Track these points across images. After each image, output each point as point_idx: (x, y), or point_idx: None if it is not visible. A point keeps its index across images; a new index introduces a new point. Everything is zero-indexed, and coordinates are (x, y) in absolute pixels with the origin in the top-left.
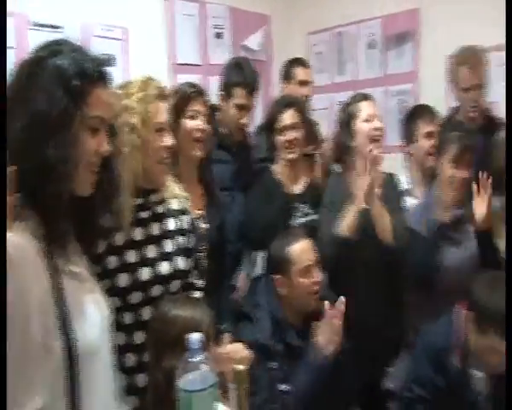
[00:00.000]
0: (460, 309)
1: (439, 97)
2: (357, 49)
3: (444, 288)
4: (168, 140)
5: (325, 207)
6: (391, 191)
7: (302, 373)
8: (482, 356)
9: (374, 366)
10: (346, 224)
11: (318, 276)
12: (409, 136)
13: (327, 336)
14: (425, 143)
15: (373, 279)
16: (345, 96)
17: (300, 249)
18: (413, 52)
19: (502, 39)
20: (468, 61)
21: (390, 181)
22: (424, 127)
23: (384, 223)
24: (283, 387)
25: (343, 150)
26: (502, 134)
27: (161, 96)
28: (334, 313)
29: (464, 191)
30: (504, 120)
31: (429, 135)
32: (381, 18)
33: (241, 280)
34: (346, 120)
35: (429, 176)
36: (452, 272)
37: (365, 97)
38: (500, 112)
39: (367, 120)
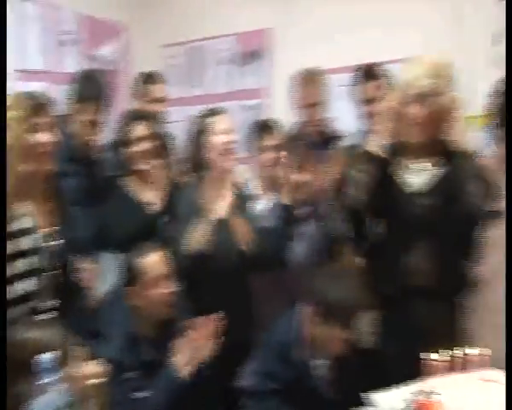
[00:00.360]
0: (303, 304)
1: (290, 112)
2: (213, 63)
3: (290, 283)
4: (27, 162)
5: (179, 219)
6: (242, 200)
7: (159, 390)
8: (325, 345)
9: (229, 368)
10: (197, 236)
11: (170, 287)
12: (255, 147)
13: (186, 356)
14: (269, 154)
15: (230, 286)
16: (201, 109)
17: (151, 261)
18: (266, 69)
19: (343, 62)
20: (310, 81)
21: (241, 191)
22: (268, 140)
23: (241, 231)
24: (140, 395)
25: (196, 163)
26: (338, 146)
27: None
28: (198, 333)
29: (308, 193)
30: (340, 133)
31: (273, 147)
32: (237, 35)
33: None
34: (200, 133)
35: (275, 182)
36: (298, 267)
37: (218, 111)
38: (338, 126)
39: (220, 134)
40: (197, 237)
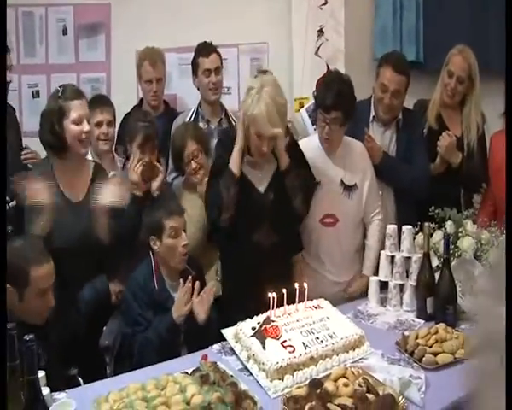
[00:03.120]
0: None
1: (130, 87)
2: (48, 32)
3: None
4: None
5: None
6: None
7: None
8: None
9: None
10: (42, 221)
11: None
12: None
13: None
14: (96, 131)
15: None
16: (35, 79)
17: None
18: (105, 43)
19: (179, 43)
20: (150, 57)
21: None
22: (96, 116)
23: (97, 216)
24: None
25: (51, 145)
26: (178, 120)
27: None
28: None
29: (149, 171)
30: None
31: (99, 124)
32: (73, 6)
33: None
34: (56, 116)
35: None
36: None
37: (78, 95)
38: (176, 102)
39: (76, 123)
40: (42, 222)
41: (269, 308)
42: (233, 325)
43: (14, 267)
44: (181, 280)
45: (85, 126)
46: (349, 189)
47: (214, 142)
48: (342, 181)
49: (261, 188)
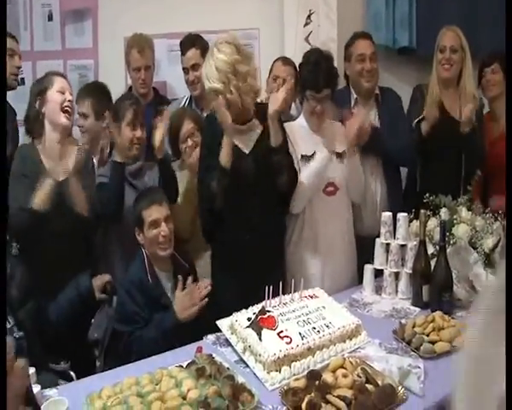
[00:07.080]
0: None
1: (118, 74)
2: (32, 18)
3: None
4: None
5: (14, 178)
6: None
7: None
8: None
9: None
10: (39, 196)
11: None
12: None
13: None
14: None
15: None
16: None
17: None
18: (92, 29)
19: (169, 29)
20: (138, 45)
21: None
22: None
23: (78, 194)
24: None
25: (34, 121)
26: (172, 107)
27: None
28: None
29: (139, 147)
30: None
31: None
32: None
33: None
34: (40, 90)
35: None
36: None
37: (59, 74)
38: (166, 90)
39: (57, 92)
40: (37, 198)
41: (263, 299)
42: (225, 315)
43: None
44: (179, 277)
45: (68, 96)
46: (340, 155)
47: None
48: (333, 149)
49: (246, 150)
